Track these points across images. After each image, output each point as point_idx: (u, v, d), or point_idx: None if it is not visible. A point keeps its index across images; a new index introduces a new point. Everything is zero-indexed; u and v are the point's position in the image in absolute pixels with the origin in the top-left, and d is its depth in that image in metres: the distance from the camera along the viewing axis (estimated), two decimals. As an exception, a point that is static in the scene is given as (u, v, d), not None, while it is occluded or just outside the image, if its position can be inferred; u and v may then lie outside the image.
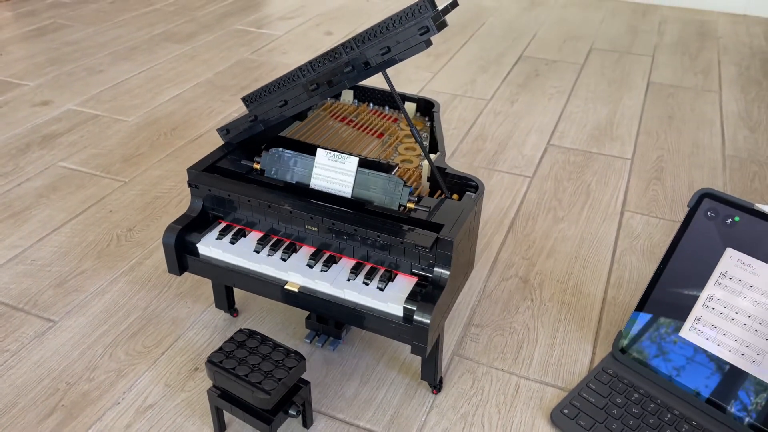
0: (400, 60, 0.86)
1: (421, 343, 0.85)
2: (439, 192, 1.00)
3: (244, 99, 1.01)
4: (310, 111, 1.23)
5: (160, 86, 1.98)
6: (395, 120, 1.21)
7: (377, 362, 1.06)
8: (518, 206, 1.46)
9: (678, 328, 1.00)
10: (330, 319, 1.06)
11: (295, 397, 0.89)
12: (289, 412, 0.88)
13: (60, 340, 1.09)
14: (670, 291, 1.01)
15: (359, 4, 2.76)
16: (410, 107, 1.22)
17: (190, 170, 0.98)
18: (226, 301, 1.12)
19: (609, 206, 1.47)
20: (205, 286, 1.21)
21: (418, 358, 1.07)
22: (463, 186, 0.99)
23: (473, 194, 0.95)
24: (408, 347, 1.09)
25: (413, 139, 1.15)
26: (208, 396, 0.90)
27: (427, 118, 1.21)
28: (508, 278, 1.25)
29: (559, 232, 1.39)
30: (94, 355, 1.06)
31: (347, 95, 1.27)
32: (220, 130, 1.04)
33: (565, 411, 0.97)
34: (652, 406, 0.97)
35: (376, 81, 2.01)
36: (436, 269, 0.87)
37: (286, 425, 0.95)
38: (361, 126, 1.18)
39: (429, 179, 1.03)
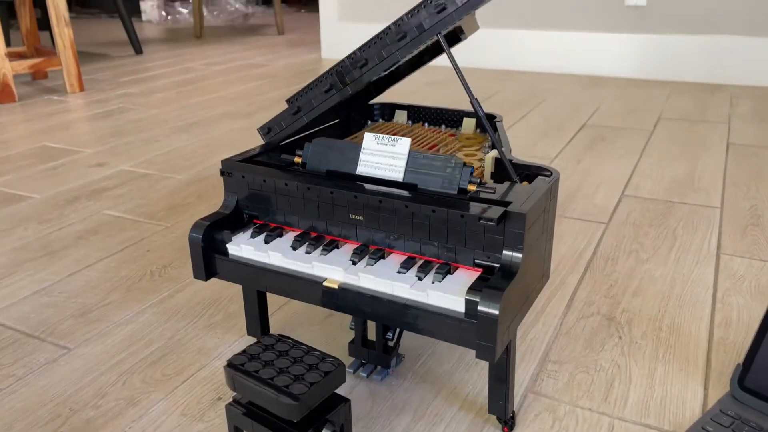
0: (458, 18, 0.77)
1: (489, 342, 0.68)
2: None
3: (288, 100, 0.93)
4: (358, 129, 1.15)
5: (213, 151, 1.97)
6: (452, 135, 1.10)
7: (433, 397, 0.88)
8: (594, 249, 1.29)
9: (817, 352, 0.79)
10: (375, 321, 0.89)
11: (331, 415, 0.71)
12: (323, 432, 0.70)
13: (71, 367, 0.96)
14: (800, 306, 0.81)
15: (415, 88, 2.77)
16: (470, 123, 1.12)
17: (224, 161, 0.88)
18: (259, 326, 0.97)
19: (701, 250, 1.28)
20: (238, 318, 1.07)
21: (484, 393, 0.88)
22: (535, 176, 0.85)
23: (547, 178, 0.81)
24: (473, 380, 0.90)
25: (472, 147, 1.03)
26: (226, 413, 0.74)
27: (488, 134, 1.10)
28: (589, 316, 1.06)
29: (645, 272, 1.20)
30: (105, 383, 0.92)
31: (400, 116, 1.18)
32: (260, 129, 0.95)
33: (678, 456, 0.75)
34: (794, 453, 0.74)
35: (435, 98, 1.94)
36: (505, 252, 0.72)
37: (320, 460, 0.76)
38: (414, 139, 1.08)
39: (492, 176, 0.89)
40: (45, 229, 1.44)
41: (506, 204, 0.73)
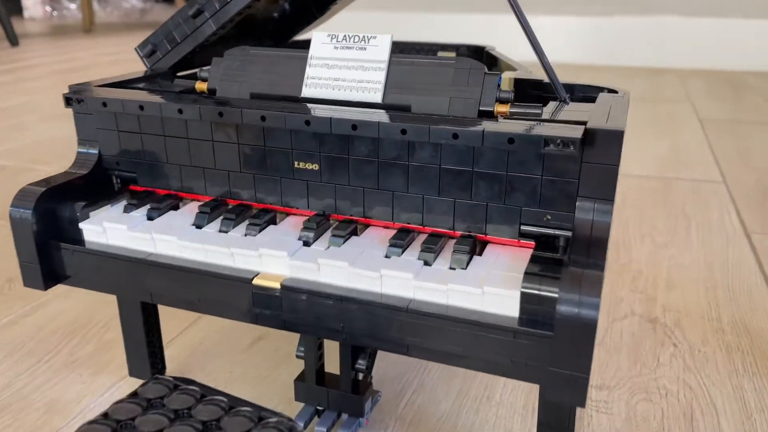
0: None
1: (578, 370, 0.36)
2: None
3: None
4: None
5: (98, 139, 1.56)
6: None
7: (437, 458, 0.55)
8: (597, 233, 1.02)
9: None
10: (347, 343, 0.56)
11: None
12: None
13: None
14: None
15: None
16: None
17: (73, 85, 0.53)
18: (148, 363, 0.61)
19: (725, 228, 1.03)
20: (117, 349, 0.71)
21: (515, 447, 0.56)
22: (590, 98, 0.55)
23: (615, 95, 0.51)
24: (489, 423, 0.58)
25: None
26: None
27: (474, 71, 0.80)
28: (622, 318, 0.77)
29: (669, 259, 0.93)
30: None
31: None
32: (139, 48, 0.60)
33: None
34: None
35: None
36: (583, 204, 0.41)
37: None
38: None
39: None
40: None
41: (581, 123, 0.42)
